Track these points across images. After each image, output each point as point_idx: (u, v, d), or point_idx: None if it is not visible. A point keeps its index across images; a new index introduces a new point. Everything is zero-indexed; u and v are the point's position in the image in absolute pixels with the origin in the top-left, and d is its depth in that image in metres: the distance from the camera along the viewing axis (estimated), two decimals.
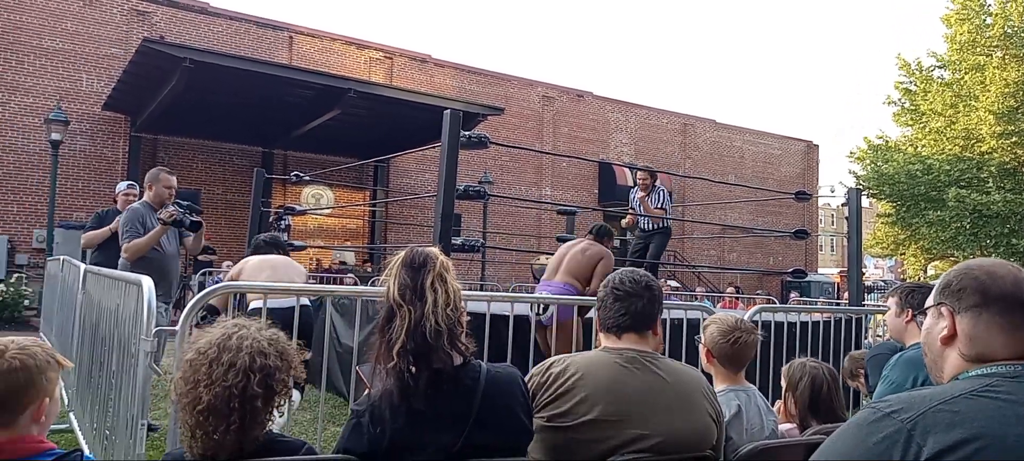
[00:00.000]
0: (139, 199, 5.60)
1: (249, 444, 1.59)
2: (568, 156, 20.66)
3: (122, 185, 6.11)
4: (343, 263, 17.24)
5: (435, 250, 1.83)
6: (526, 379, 2.01)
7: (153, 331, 2.72)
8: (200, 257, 14.33)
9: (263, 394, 1.57)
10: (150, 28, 16.04)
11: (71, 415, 4.36)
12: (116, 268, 4.53)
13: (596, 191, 22.91)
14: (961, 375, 1.27)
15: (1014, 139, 18.38)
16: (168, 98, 13.00)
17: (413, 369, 1.69)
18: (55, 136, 12.99)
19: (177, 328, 2.64)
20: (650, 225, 7.87)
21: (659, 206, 7.75)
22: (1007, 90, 17.95)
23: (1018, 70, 17.96)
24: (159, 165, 16.11)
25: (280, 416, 1.69)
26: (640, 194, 7.80)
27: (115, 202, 6.04)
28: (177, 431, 2.17)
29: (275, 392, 1.61)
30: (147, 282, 2.83)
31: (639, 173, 8.04)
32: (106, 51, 15.96)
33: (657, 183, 7.85)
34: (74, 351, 4.54)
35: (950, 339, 1.33)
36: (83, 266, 4.71)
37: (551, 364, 2.03)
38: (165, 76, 12.37)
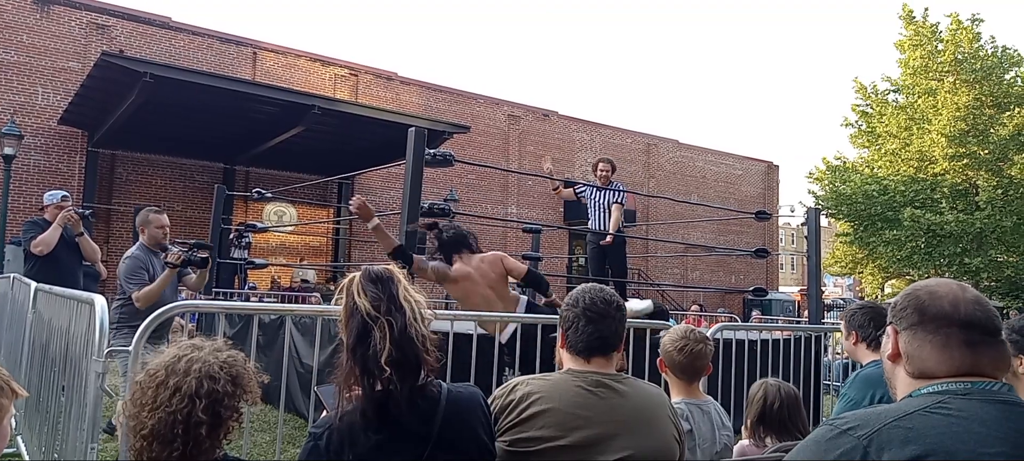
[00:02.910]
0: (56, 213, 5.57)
1: None
2: (534, 175, 20.68)
3: (54, 195, 5.85)
4: (305, 281, 17.02)
5: (392, 266, 1.81)
6: (489, 400, 1.99)
7: (105, 351, 2.65)
8: None
9: (209, 421, 1.52)
10: (109, 42, 15.75)
11: (19, 439, 4.21)
12: (65, 284, 4.39)
13: (561, 210, 22.99)
14: (914, 392, 1.30)
15: (965, 161, 18.97)
16: (127, 113, 12.75)
17: (398, 382, 1.65)
18: (8, 150, 12.67)
19: (130, 349, 2.57)
20: (603, 225, 7.30)
21: (617, 201, 7.25)
22: (958, 114, 18.55)
23: (968, 94, 18.57)
24: (116, 181, 15.98)
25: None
26: (599, 183, 7.33)
27: (42, 211, 5.86)
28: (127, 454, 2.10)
29: (223, 419, 1.56)
30: (99, 301, 2.75)
31: (600, 164, 7.46)
32: (63, 65, 15.62)
33: (615, 179, 7.42)
34: (23, 372, 4.40)
35: (896, 357, 1.36)
36: (34, 285, 4.57)
37: (514, 387, 1.99)
38: (124, 91, 12.14)
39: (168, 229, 4.96)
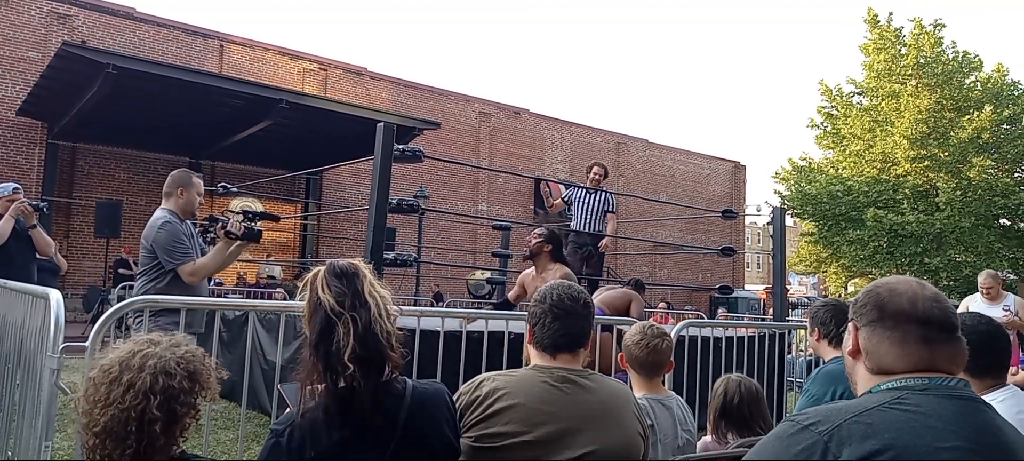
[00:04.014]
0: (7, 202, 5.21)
1: None
2: (504, 172, 20.77)
3: (5, 187, 5.55)
4: (272, 277, 16.82)
5: (358, 261, 1.78)
6: (455, 396, 1.97)
7: (61, 347, 2.58)
8: (121, 271, 13.78)
9: (164, 418, 1.49)
10: (71, 32, 15.40)
11: None
12: (17, 278, 4.24)
13: (532, 207, 23.04)
14: (874, 388, 1.31)
15: (926, 163, 19.39)
16: (89, 105, 12.49)
17: (362, 379, 1.63)
18: None
19: (86, 344, 2.51)
20: (590, 227, 7.36)
21: (612, 210, 7.36)
22: (920, 116, 18.94)
23: (929, 98, 18.98)
24: (77, 174, 15.61)
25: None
26: (590, 185, 7.38)
27: None
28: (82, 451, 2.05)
29: (179, 416, 1.52)
30: (54, 295, 2.68)
31: (594, 167, 7.48)
32: (22, 54, 15.24)
33: (605, 185, 7.50)
34: None
35: (856, 353, 1.38)
36: None
37: (480, 383, 1.99)
38: (86, 82, 11.88)
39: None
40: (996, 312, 5.93)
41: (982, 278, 6.71)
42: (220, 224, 3.86)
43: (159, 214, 3.91)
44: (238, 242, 3.88)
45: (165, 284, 3.75)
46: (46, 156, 15.08)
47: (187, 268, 3.77)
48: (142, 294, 3.71)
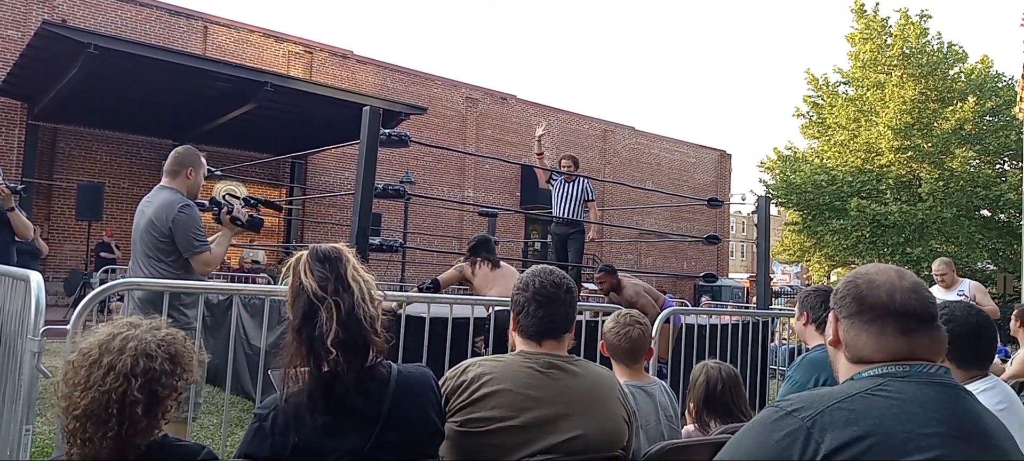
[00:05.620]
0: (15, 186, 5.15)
1: (132, 451, 1.49)
2: (491, 158, 20.71)
3: None
4: (256, 262, 16.72)
5: (341, 245, 1.78)
6: (441, 382, 1.97)
7: (41, 330, 2.55)
8: (103, 255, 13.64)
9: (145, 400, 1.47)
10: (51, 10, 15.16)
11: None
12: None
13: (519, 194, 23.02)
14: (856, 376, 1.33)
15: (909, 153, 19.55)
16: (70, 85, 12.30)
17: (345, 364, 1.62)
18: None
19: (68, 327, 2.48)
20: (570, 214, 7.61)
21: (592, 199, 7.68)
22: (904, 107, 19.07)
23: (914, 89, 19.11)
24: (58, 156, 15.41)
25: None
26: (565, 175, 7.64)
27: None
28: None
29: (160, 398, 1.51)
30: (35, 277, 2.64)
31: (563, 160, 7.82)
32: (1, 33, 15.00)
33: (580, 174, 7.72)
34: None
35: (837, 343, 1.40)
36: None
37: (466, 368, 1.99)
38: (67, 62, 11.70)
39: None
40: (952, 298, 6.02)
41: (936, 266, 6.78)
42: (225, 209, 3.63)
43: (173, 196, 3.58)
44: (239, 229, 3.68)
45: (182, 272, 3.45)
46: (26, 137, 14.87)
47: (204, 256, 3.52)
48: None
